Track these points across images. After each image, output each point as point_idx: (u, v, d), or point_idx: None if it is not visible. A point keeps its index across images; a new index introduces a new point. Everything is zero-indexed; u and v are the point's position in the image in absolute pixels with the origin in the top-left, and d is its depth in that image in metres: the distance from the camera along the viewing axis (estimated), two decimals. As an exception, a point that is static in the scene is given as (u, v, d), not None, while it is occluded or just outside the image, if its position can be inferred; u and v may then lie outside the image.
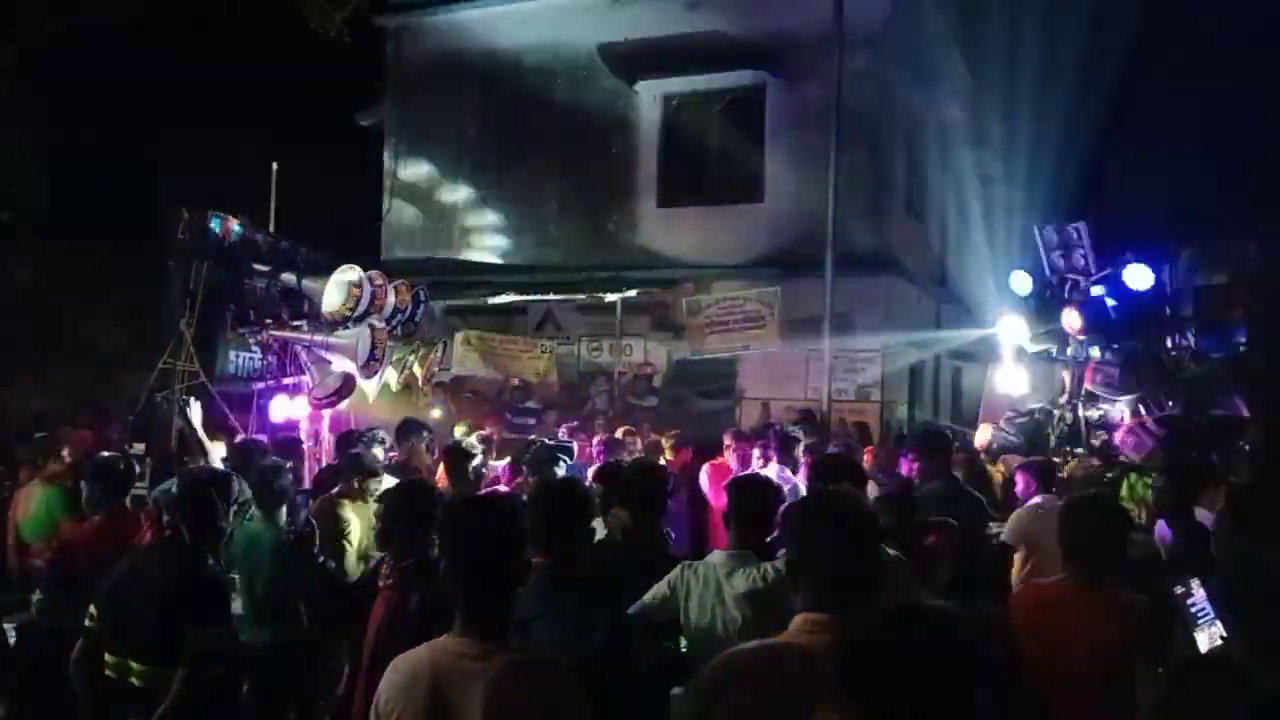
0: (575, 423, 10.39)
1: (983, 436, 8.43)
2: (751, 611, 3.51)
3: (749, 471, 6.44)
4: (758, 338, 12.75)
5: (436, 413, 10.75)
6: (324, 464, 7.59)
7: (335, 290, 7.75)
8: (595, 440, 8.25)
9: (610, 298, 13.76)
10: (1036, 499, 6.09)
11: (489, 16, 15.21)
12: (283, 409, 8.07)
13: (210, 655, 3.69)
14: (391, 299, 8.32)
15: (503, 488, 7.06)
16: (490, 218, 15.49)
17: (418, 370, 9.90)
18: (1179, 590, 3.18)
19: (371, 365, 7.75)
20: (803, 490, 5.92)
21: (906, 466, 6.31)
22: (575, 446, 7.76)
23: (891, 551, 3.89)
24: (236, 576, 4.98)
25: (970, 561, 5.41)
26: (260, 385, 8.72)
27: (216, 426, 7.51)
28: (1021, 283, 8.50)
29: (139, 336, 10.13)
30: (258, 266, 8.97)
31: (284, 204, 13.42)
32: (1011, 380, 8.74)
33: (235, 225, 9.22)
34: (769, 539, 3.77)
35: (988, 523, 5.89)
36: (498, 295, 14.36)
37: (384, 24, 16.17)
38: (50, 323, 12.81)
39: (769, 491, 3.93)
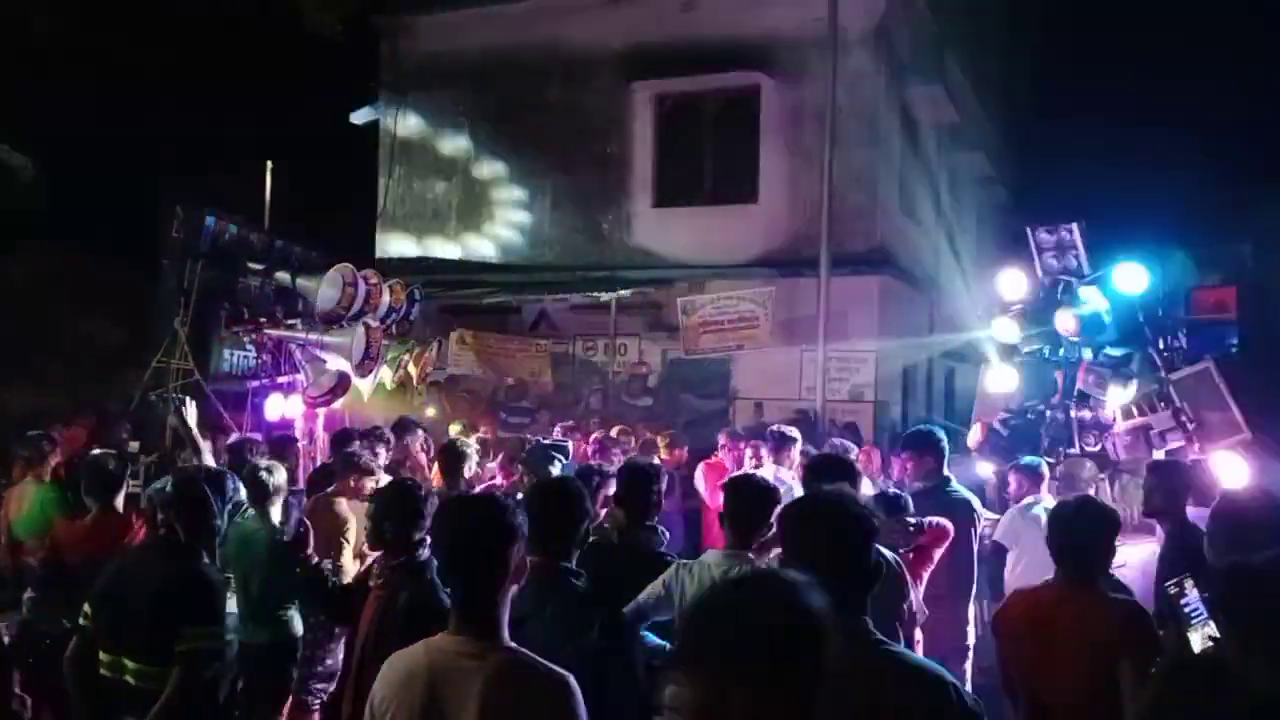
0: (570, 422, 10.40)
1: (975, 436, 8.45)
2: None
3: (745, 471, 6.44)
4: (752, 338, 12.77)
5: (431, 412, 10.76)
6: (319, 463, 7.59)
7: (329, 288, 7.75)
8: (591, 439, 8.26)
9: (605, 297, 13.77)
10: (1028, 499, 6.11)
11: (484, 16, 15.19)
12: (277, 407, 8.07)
13: (205, 654, 3.69)
14: (386, 298, 8.31)
15: (500, 480, 7.06)
16: (485, 217, 15.48)
17: (412, 369, 9.92)
18: (1172, 590, 3.20)
19: (366, 364, 7.75)
20: (798, 491, 5.93)
21: (899, 467, 6.33)
22: (570, 446, 7.77)
23: (885, 552, 3.90)
24: (231, 576, 4.98)
25: (963, 562, 5.44)
26: (255, 384, 8.74)
27: (211, 425, 7.51)
28: (1015, 283, 8.50)
29: (134, 335, 10.12)
30: (252, 265, 8.98)
31: (279, 203, 13.43)
32: (1004, 381, 8.76)
33: (230, 224, 9.22)
34: (764, 539, 3.78)
35: (979, 523, 5.91)
36: (492, 295, 14.37)
37: (379, 23, 16.16)
38: (46, 321, 12.78)
39: (765, 492, 3.93)
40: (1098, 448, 7.60)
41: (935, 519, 4.84)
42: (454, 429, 9.06)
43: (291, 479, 6.21)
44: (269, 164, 13.74)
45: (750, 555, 3.74)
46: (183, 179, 12.37)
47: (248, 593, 5.02)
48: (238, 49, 15.46)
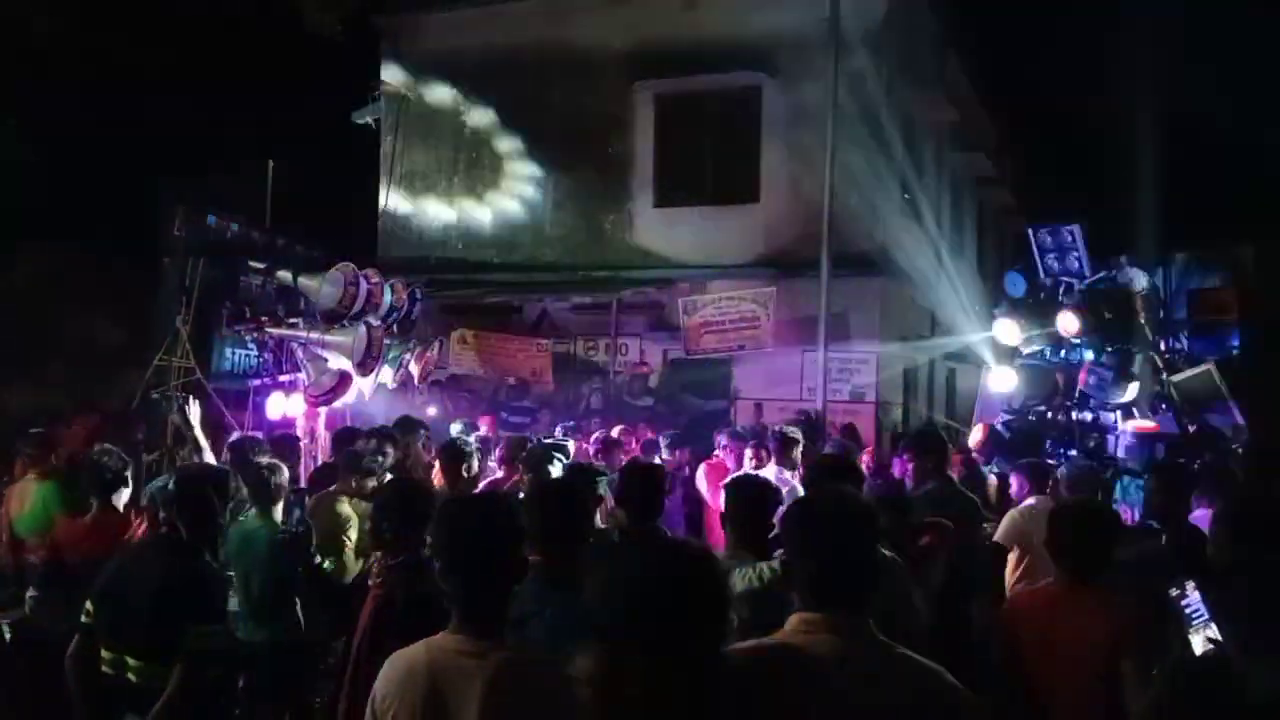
0: (571, 422, 10.40)
1: (977, 437, 8.46)
2: (748, 611, 3.51)
3: (747, 472, 6.45)
4: (753, 338, 12.78)
5: (432, 411, 10.76)
6: (320, 462, 7.59)
7: (331, 287, 7.75)
8: (592, 439, 8.26)
9: (606, 297, 13.77)
10: (1030, 500, 6.11)
11: (486, 15, 15.20)
12: (279, 406, 8.08)
13: (207, 652, 3.69)
14: (388, 297, 8.32)
15: (500, 475, 7.05)
16: (486, 217, 15.49)
17: (414, 368, 9.91)
18: (1174, 592, 3.20)
19: (368, 363, 7.76)
20: (800, 491, 5.93)
21: (900, 467, 6.34)
22: (572, 446, 7.76)
23: (887, 552, 3.90)
24: (232, 574, 4.98)
25: (964, 562, 5.44)
26: (256, 382, 8.73)
27: (212, 424, 7.51)
28: (1016, 285, 8.52)
29: (135, 334, 10.12)
30: (254, 264, 8.98)
31: (280, 202, 13.41)
32: (1005, 382, 8.77)
33: (231, 223, 9.23)
34: (767, 539, 3.78)
35: (981, 523, 5.91)
36: (494, 294, 14.37)
37: (381, 22, 16.17)
38: (46, 321, 12.78)
39: (767, 493, 3.94)
40: (1099, 449, 7.61)
41: (937, 519, 4.83)
42: (455, 428, 9.05)
43: (293, 478, 6.21)
44: (270, 163, 13.72)
45: (752, 555, 3.74)
46: (184, 178, 12.36)
47: (249, 591, 5.02)
48: (239, 48, 15.46)
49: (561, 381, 13.69)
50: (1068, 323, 7.80)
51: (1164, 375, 7.74)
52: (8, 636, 5.37)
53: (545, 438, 8.25)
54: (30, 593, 4.88)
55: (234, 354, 9.27)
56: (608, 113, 14.64)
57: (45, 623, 4.65)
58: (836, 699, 2.28)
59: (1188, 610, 3.21)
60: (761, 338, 12.72)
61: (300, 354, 8.18)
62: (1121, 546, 3.83)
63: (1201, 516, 4.91)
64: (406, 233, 15.87)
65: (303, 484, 6.76)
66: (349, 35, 15.75)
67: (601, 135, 14.68)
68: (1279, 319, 12.05)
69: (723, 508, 4.09)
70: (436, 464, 6.83)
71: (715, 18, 13.86)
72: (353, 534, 5.46)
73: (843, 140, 12.40)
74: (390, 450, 6.49)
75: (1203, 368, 7.76)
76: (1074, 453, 7.63)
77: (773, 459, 7.18)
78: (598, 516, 4.63)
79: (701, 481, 8.07)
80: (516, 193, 15.20)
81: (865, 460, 8.68)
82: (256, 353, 9.12)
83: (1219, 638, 2.95)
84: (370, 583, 3.84)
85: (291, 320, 8.30)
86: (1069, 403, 8.05)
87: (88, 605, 3.84)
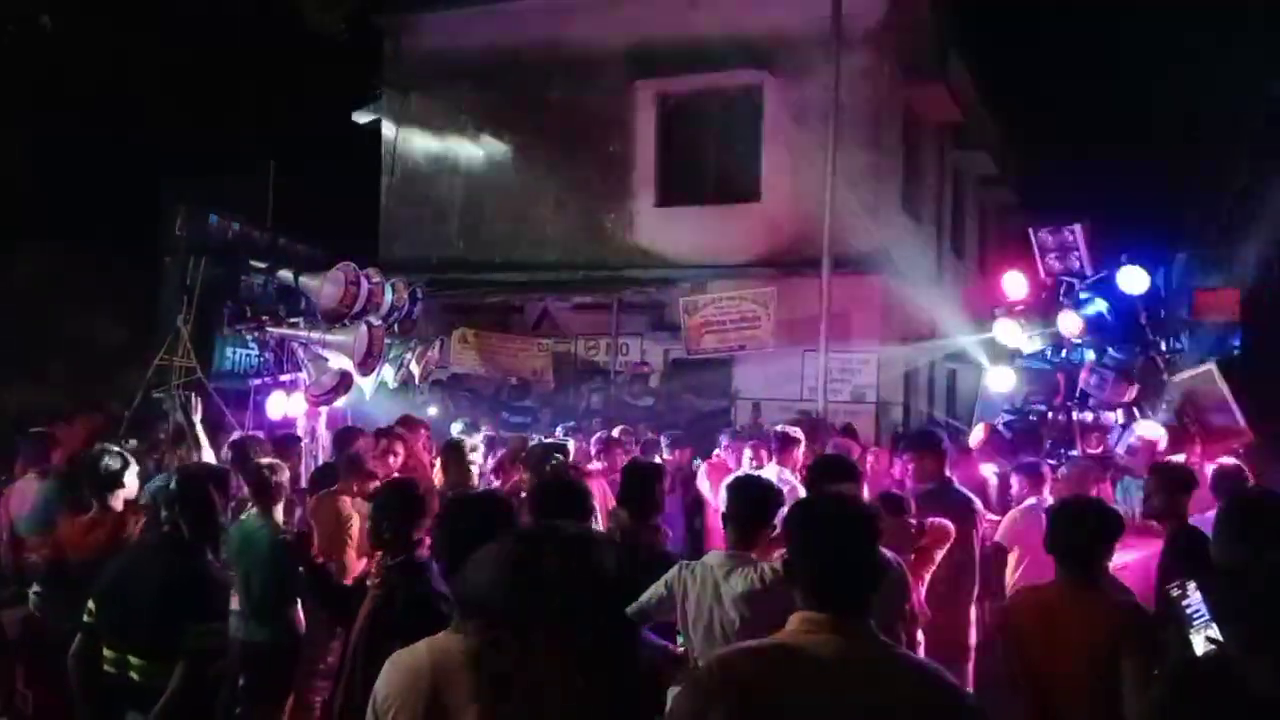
0: (572, 422, 10.40)
1: (978, 437, 8.46)
2: (749, 612, 3.52)
3: (748, 472, 6.45)
4: (754, 338, 12.78)
5: (433, 410, 10.77)
6: (320, 462, 7.60)
7: (332, 286, 7.75)
8: (594, 439, 8.26)
9: (607, 297, 13.77)
10: (1030, 500, 6.11)
11: (486, 14, 15.20)
12: (279, 406, 8.08)
13: (209, 651, 3.70)
14: (388, 296, 8.32)
15: (496, 484, 7.06)
16: (487, 216, 15.49)
17: (415, 368, 9.91)
18: (1174, 592, 3.20)
19: (368, 363, 7.75)
20: (801, 492, 5.93)
21: (900, 468, 6.33)
22: (571, 445, 7.77)
23: (887, 553, 3.90)
24: (233, 574, 4.98)
25: (965, 562, 5.44)
26: (257, 382, 8.73)
27: (213, 423, 7.52)
28: (1017, 285, 8.51)
29: (136, 334, 10.13)
30: (255, 263, 8.99)
31: (281, 202, 13.42)
32: (1005, 382, 8.77)
33: (233, 222, 9.24)
34: (767, 540, 3.78)
35: (981, 524, 5.91)
36: (495, 293, 14.37)
37: (382, 22, 16.17)
38: (47, 320, 12.79)
39: (767, 493, 3.93)
40: (1099, 449, 7.60)
41: (937, 520, 4.83)
42: (456, 428, 9.06)
43: (294, 478, 6.22)
44: (272, 162, 13.74)
45: (753, 556, 3.74)
46: (185, 178, 12.37)
47: (249, 591, 5.03)
48: (241, 48, 15.47)
49: (562, 381, 13.70)
50: (1069, 323, 7.79)
51: (1165, 375, 7.73)
52: (10, 635, 5.37)
53: (546, 437, 8.26)
54: (34, 589, 4.88)
55: (235, 353, 9.29)
56: (608, 111, 14.65)
57: (48, 621, 4.66)
58: (837, 699, 2.28)
59: (1188, 610, 3.20)
60: (762, 338, 12.71)
61: (301, 353, 8.17)
62: (1122, 546, 3.83)
63: (1204, 520, 4.90)
64: (407, 232, 15.87)
65: (303, 484, 6.77)
66: (351, 34, 15.76)
67: (602, 134, 14.68)
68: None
69: (723, 507, 4.08)
70: (438, 462, 6.84)
71: (716, 16, 13.85)
72: (354, 534, 5.47)
73: (844, 139, 12.40)
74: (400, 450, 6.50)
75: (1204, 368, 7.74)
76: (1075, 453, 7.62)
77: (773, 459, 7.18)
78: (599, 516, 4.64)
79: (703, 481, 8.09)
80: (517, 192, 15.19)
81: (870, 462, 8.69)
82: (257, 352, 9.13)
83: (1220, 638, 2.95)
84: (369, 583, 3.84)
85: (292, 320, 8.30)
86: (1070, 403, 8.04)
87: (90, 605, 3.84)
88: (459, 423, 9.50)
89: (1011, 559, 5.84)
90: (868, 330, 13.04)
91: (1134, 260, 7.77)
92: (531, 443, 7.68)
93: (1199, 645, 3.06)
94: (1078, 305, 7.93)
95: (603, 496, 6.51)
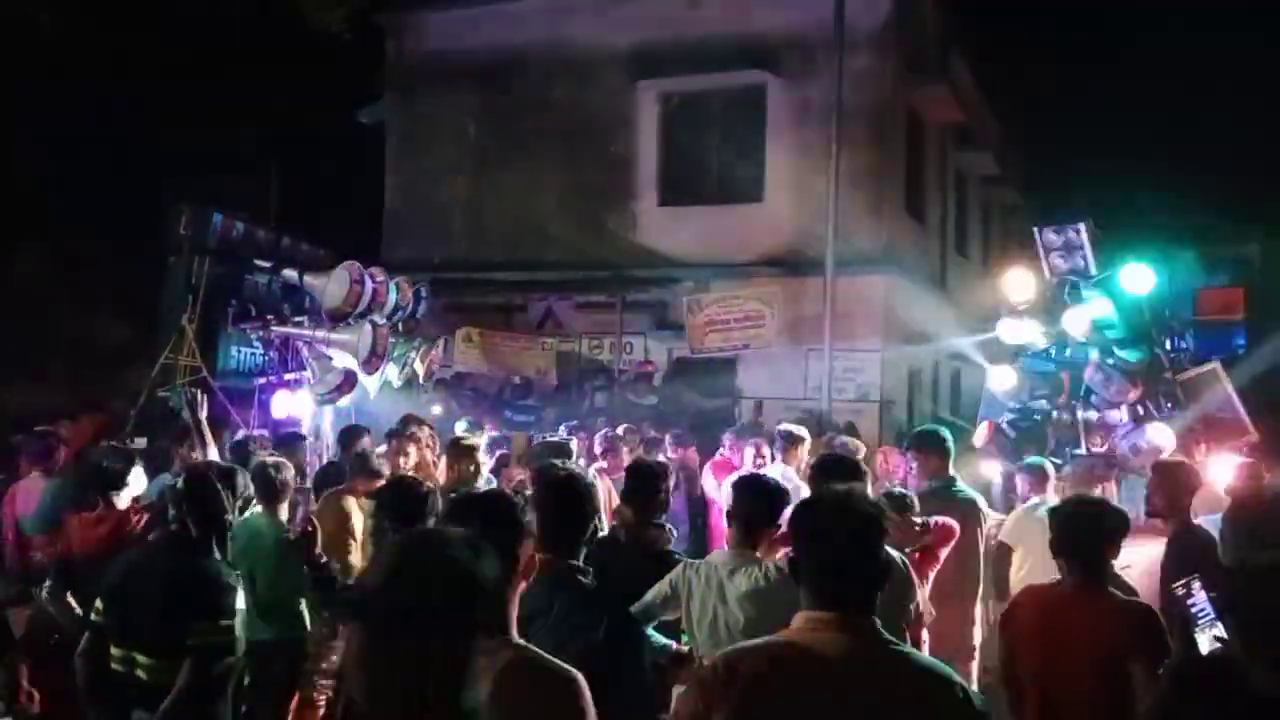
0: (575, 421, 10.40)
1: (982, 435, 8.45)
2: (753, 610, 3.53)
3: (753, 471, 6.45)
4: (757, 337, 12.78)
5: (437, 409, 10.76)
6: (325, 460, 7.61)
7: (336, 285, 7.77)
8: (598, 437, 8.27)
9: (611, 296, 13.77)
10: (1034, 499, 6.11)
11: (489, 14, 15.22)
12: (284, 405, 8.09)
13: (215, 649, 3.70)
14: (392, 295, 8.34)
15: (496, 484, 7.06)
16: (491, 215, 15.49)
17: (419, 367, 9.90)
18: (1179, 591, 3.20)
19: (373, 361, 7.77)
20: (804, 490, 5.93)
21: (904, 466, 6.33)
22: (575, 444, 7.77)
23: (892, 552, 3.90)
24: (238, 572, 4.99)
25: (969, 561, 5.45)
26: (261, 381, 8.74)
27: (218, 422, 7.53)
28: (1021, 284, 8.50)
29: (142, 333, 10.15)
30: (259, 263, 9.00)
31: (285, 201, 13.44)
32: (1009, 381, 8.75)
33: (237, 222, 9.25)
34: (771, 539, 3.78)
35: (985, 523, 5.91)
36: (499, 293, 14.38)
37: (384, 21, 16.18)
38: (50, 320, 12.81)
39: (772, 491, 3.93)
40: (1104, 448, 7.60)
41: (941, 519, 4.83)
42: (460, 426, 9.06)
43: (299, 476, 6.22)
44: (275, 162, 13.77)
45: (757, 554, 3.74)
46: (189, 178, 12.40)
47: (254, 589, 5.03)
48: (244, 47, 15.48)
49: (566, 380, 13.70)
50: (1074, 321, 7.78)
51: (1169, 374, 7.72)
52: (21, 631, 5.38)
53: (550, 436, 8.26)
54: (47, 584, 4.90)
55: (239, 352, 9.31)
56: (611, 111, 14.66)
57: (55, 619, 4.67)
58: (842, 698, 2.29)
59: (1193, 609, 3.21)
60: (766, 337, 12.71)
61: (305, 352, 8.19)
62: (1126, 546, 3.82)
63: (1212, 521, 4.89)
64: (411, 231, 15.88)
65: (308, 482, 6.78)
66: (353, 34, 15.76)
67: (606, 133, 14.69)
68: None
69: (728, 506, 4.09)
70: (442, 461, 6.85)
71: (719, 16, 13.86)
72: (359, 533, 5.48)
73: (847, 139, 12.40)
74: (412, 450, 6.51)
75: (1208, 367, 7.73)
76: (1079, 451, 7.61)
77: (778, 457, 7.18)
78: (604, 515, 4.65)
79: (709, 479, 8.09)
80: (521, 191, 15.19)
81: (880, 461, 8.69)
82: (262, 351, 9.15)
83: (1225, 636, 2.96)
84: (368, 582, 3.84)
85: (297, 319, 8.32)
86: (1074, 401, 8.04)
87: (98, 603, 3.85)
88: (462, 421, 9.51)
89: (1015, 558, 5.84)
90: (871, 329, 13.04)
91: (1139, 259, 7.76)
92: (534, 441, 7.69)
93: (1204, 644, 3.07)
94: (1082, 304, 7.92)
95: (607, 495, 6.51)
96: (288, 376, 8.48)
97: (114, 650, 3.77)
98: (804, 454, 7.13)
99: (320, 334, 7.95)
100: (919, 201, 15.29)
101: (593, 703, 2.46)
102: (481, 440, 7.37)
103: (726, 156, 14.29)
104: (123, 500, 5.12)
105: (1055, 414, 8.12)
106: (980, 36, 17.74)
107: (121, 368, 10.47)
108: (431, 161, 15.88)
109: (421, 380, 10.16)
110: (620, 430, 8.65)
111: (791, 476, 6.60)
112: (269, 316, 8.45)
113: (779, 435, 7.39)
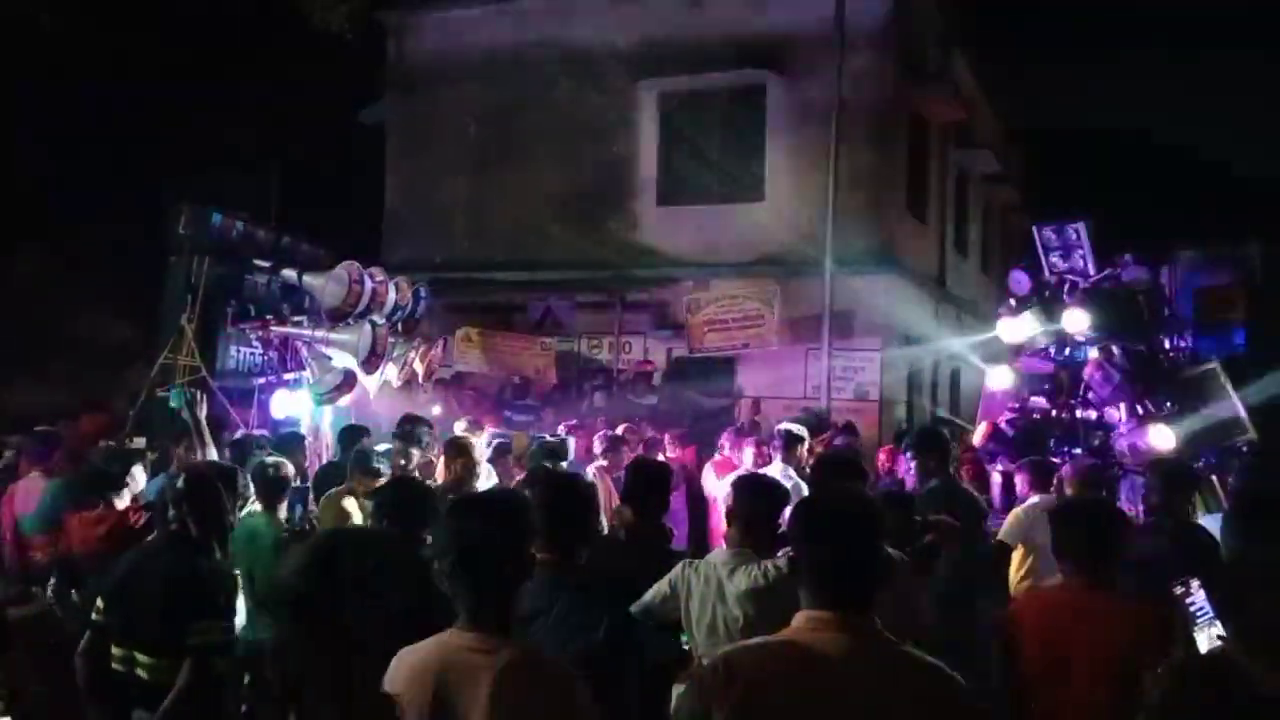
0: (574, 421, 10.40)
1: (981, 435, 8.47)
2: (753, 610, 3.53)
3: (753, 470, 6.45)
4: (757, 336, 12.79)
5: (436, 409, 10.76)
6: (324, 460, 7.60)
7: (336, 285, 7.77)
8: (598, 437, 8.27)
9: (610, 296, 13.77)
10: (1034, 498, 6.11)
11: (490, 14, 15.22)
12: (283, 404, 8.09)
13: (215, 648, 3.71)
14: (392, 295, 8.34)
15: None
16: (491, 215, 15.48)
17: (418, 367, 9.90)
18: (1178, 590, 3.19)
19: (373, 361, 7.77)
20: (804, 489, 5.94)
21: (904, 466, 6.34)
22: (572, 444, 7.76)
23: (892, 551, 3.90)
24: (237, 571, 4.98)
25: (968, 561, 5.45)
26: (261, 380, 8.75)
27: (217, 422, 7.53)
28: (1020, 283, 8.51)
29: (141, 332, 10.15)
30: (259, 262, 9.01)
31: (285, 200, 13.44)
32: (1008, 380, 8.77)
33: (237, 221, 9.25)
34: (771, 538, 3.78)
35: (985, 522, 5.92)
36: (498, 292, 14.37)
37: (385, 21, 16.18)
38: (52, 319, 12.82)
39: (772, 491, 3.94)
40: (1103, 447, 7.61)
41: (940, 517, 4.84)
42: (459, 426, 9.06)
43: (299, 475, 6.22)
44: (276, 162, 13.77)
45: (755, 553, 3.74)
46: (189, 177, 12.39)
47: (253, 589, 5.03)
48: (244, 46, 15.49)
49: (565, 380, 13.70)
50: (1072, 321, 7.79)
51: (1169, 373, 7.74)
52: (24, 630, 5.37)
53: (550, 435, 8.26)
54: (51, 582, 4.90)
55: (239, 352, 9.30)
56: (611, 110, 14.65)
57: (57, 618, 4.67)
58: (842, 697, 2.29)
59: (1193, 608, 3.20)
60: (766, 336, 12.72)
61: (305, 352, 8.19)
62: (1126, 546, 3.81)
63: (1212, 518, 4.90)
64: (411, 231, 15.87)
65: (308, 482, 6.78)
66: (354, 33, 15.76)
67: (606, 133, 14.68)
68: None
69: (728, 505, 4.09)
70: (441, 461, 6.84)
71: (719, 15, 13.86)
72: (358, 531, 5.46)
73: (847, 138, 12.41)
74: (415, 452, 6.50)
75: (1208, 366, 7.74)
76: (1078, 451, 7.62)
77: (778, 456, 7.19)
78: (603, 515, 4.65)
79: (709, 478, 8.09)
80: (521, 191, 15.18)
81: (882, 461, 8.70)
82: (261, 351, 9.14)
83: (1225, 635, 2.95)
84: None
85: (296, 319, 8.33)
86: (1073, 401, 8.05)
87: (99, 603, 3.86)
88: (462, 421, 9.50)
89: (1016, 558, 5.85)
90: (871, 328, 13.04)
91: (1138, 258, 7.77)
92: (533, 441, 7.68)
93: (1204, 643, 3.06)
94: (1081, 303, 7.93)
95: (607, 495, 6.52)
96: (287, 376, 8.48)
97: (114, 650, 3.77)
98: (804, 453, 7.13)
99: (320, 334, 7.96)
100: (919, 201, 15.28)
101: (593, 702, 2.46)
102: (481, 440, 7.36)
103: (726, 156, 14.29)
104: (123, 500, 5.13)
105: (1054, 413, 8.14)
106: (980, 36, 17.74)
107: (121, 368, 10.47)
108: (432, 161, 15.87)
109: (421, 380, 10.16)
110: (620, 430, 8.65)
111: (791, 474, 6.61)
112: (269, 316, 8.46)
113: (779, 434, 7.39)
